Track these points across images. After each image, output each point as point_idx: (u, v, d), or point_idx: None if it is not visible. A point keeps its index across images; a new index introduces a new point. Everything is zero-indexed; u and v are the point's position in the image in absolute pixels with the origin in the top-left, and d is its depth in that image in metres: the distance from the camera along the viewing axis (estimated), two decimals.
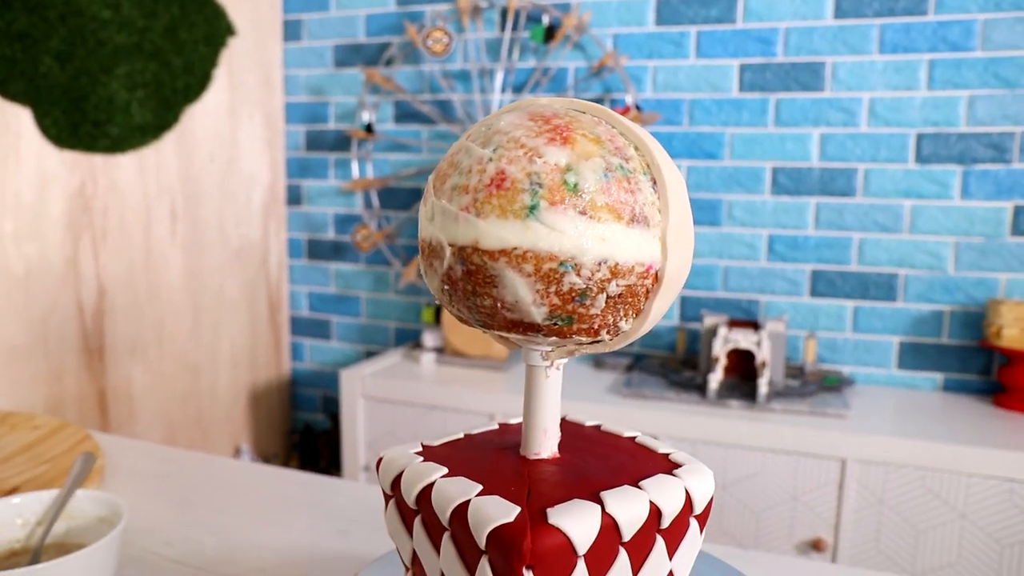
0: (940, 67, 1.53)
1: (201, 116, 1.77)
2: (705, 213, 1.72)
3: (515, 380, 1.63)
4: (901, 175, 1.58)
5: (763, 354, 1.46)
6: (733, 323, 1.57)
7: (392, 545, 0.70)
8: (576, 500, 0.37)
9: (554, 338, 0.39)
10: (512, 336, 0.39)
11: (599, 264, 0.36)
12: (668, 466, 0.41)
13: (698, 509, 0.40)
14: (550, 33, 1.72)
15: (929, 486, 1.27)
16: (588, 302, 0.37)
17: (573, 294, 0.36)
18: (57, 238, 1.47)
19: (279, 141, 2.06)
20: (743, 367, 1.56)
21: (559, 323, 0.38)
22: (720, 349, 1.48)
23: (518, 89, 1.83)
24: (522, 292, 0.36)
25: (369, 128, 1.90)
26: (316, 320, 2.13)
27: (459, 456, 0.42)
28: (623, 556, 0.37)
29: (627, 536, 0.37)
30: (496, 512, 0.35)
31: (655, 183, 0.38)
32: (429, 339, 1.81)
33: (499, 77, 1.80)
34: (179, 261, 1.75)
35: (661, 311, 0.40)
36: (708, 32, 1.67)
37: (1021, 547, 1.23)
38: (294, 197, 2.10)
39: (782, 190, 1.66)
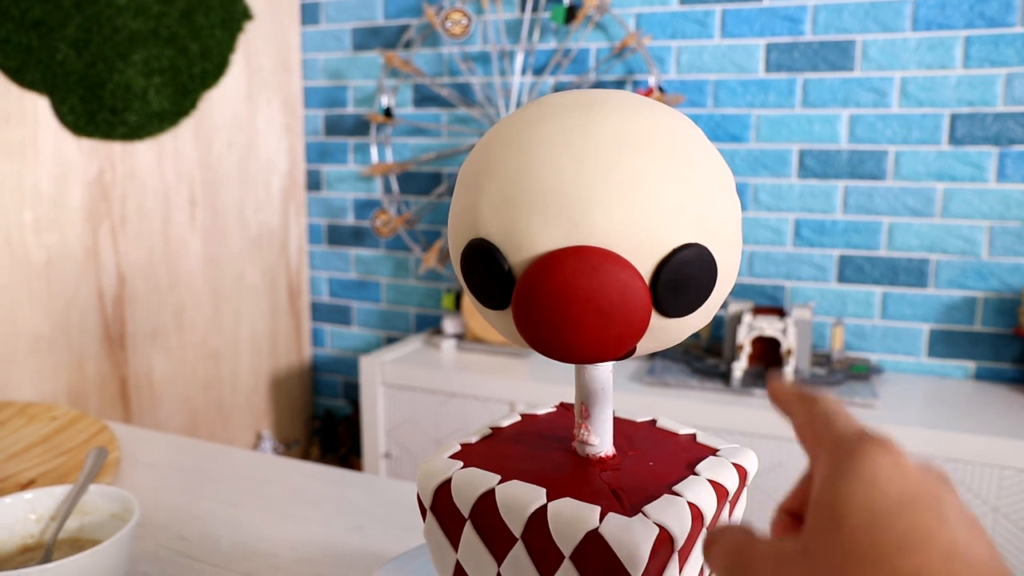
0: (977, 44, 1.48)
1: (219, 102, 1.76)
2: None
3: (537, 367, 1.61)
4: (934, 157, 1.53)
5: (789, 342, 1.42)
6: (758, 310, 1.53)
7: (406, 544, 0.69)
8: (666, 496, 0.36)
9: None
10: None
11: None
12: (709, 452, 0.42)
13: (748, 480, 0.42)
14: (571, 13, 1.68)
15: (960, 478, 1.24)
16: None
17: None
18: (77, 227, 1.47)
19: (298, 126, 2.05)
20: (768, 355, 1.53)
21: None
22: (745, 337, 1.45)
23: (539, 71, 1.80)
24: None
25: (388, 112, 1.88)
26: (336, 306, 2.13)
27: (515, 463, 0.40)
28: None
29: (708, 521, 0.37)
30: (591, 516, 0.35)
31: None
32: (449, 325, 1.80)
33: (519, 59, 1.77)
34: (199, 248, 1.75)
35: None
36: (733, 10, 1.63)
37: None
38: (313, 182, 2.09)
39: (809, 173, 1.62)
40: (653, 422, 0.45)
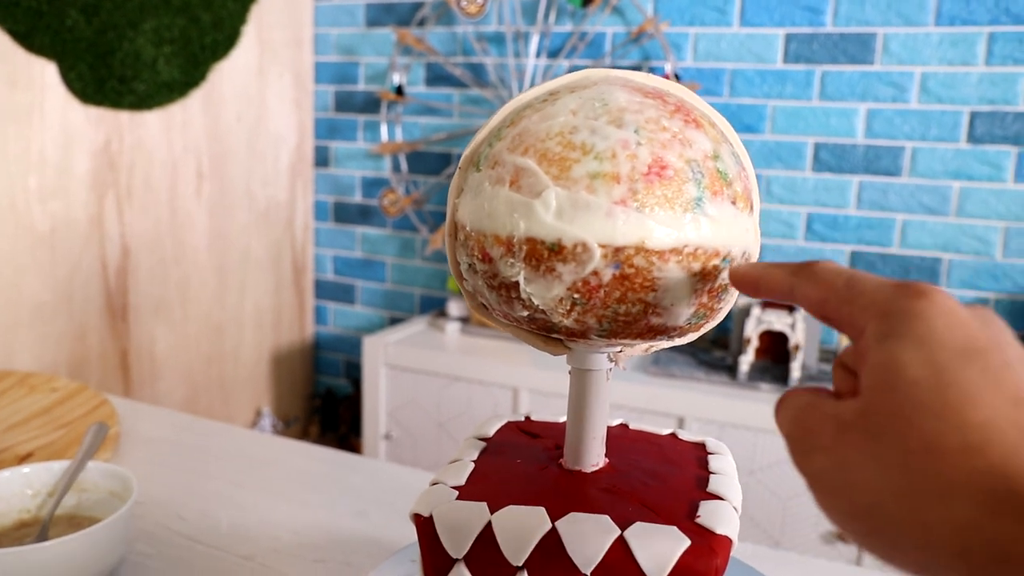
0: (1000, 41, 1.45)
1: (229, 74, 1.74)
2: None
3: (541, 353, 1.60)
4: (951, 155, 1.51)
5: (797, 337, 1.41)
6: (767, 304, 1.52)
7: (411, 533, 0.68)
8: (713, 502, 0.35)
9: (662, 339, 0.35)
10: (638, 342, 0.35)
11: (743, 256, 0.33)
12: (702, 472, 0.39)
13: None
14: None
15: None
16: (727, 297, 0.34)
17: (719, 290, 0.33)
18: (82, 196, 1.45)
19: (307, 101, 2.02)
20: (776, 349, 1.51)
21: (693, 322, 0.34)
22: (752, 330, 1.44)
23: (553, 54, 1.77)
24: (683, 294, 0.32)
25: (399, 90, 1.85)
26: (341, 284, 2.12)
27: (510, 486, 0.38)
28: None
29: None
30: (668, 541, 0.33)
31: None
32: (454, 308, 1.79)
33: (534, 41, 1.75)
34: (204, 221, 1.73)
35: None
36: None
37: None
38: (321, 159, 2.07)
39: (824, 167, 1.60)
40: (674, 434, 0.44)
